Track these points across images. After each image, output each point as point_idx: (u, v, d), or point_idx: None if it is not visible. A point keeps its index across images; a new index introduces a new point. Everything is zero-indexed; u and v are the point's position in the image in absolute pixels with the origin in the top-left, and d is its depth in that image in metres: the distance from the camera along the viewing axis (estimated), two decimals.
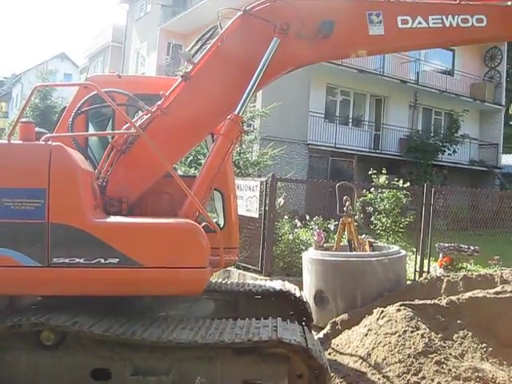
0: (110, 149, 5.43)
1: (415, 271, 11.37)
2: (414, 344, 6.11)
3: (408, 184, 13.46)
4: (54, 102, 30.17)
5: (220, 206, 6.34)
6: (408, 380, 5.75)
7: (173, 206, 5.38)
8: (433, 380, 5.69)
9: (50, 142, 4.75)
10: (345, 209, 9.27)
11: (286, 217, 12.11)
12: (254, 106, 18.04)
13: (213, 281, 6.66)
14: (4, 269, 4.49)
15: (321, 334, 7.53)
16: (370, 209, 13.14)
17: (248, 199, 11.19)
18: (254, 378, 4.60)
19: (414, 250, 11.73)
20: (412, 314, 6.59)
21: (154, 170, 5.35)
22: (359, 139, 28.17)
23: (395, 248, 9.54)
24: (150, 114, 5.42)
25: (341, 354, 6.69)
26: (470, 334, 6.54)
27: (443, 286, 8.37)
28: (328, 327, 7.68)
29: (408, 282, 9.58)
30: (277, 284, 6.76)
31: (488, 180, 31.11)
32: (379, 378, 5.87)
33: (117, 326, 4.60)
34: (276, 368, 4.59)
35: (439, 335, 6.39)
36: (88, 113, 5.79)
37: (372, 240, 9.92)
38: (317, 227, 11.68)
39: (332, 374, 5.54)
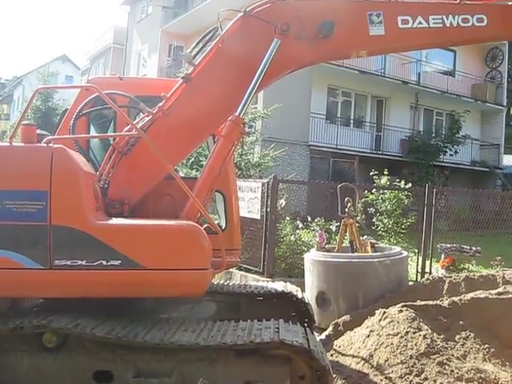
0: (111, 151, 5.44)
1: (417, 272, 11.36)
2: (416, 345, 6.10)
3: (409, 185, 13.45)
4: (55, 104, 30.22)
5: (222, 207, 6.34)
6: (410, 381, 5.74)
7: (174, 208, 5.38)
8: (435, 381, 5.68)
9: (51, 145, 4.76)
10: (346, 210, 9.26)
11: (287, 218, 12.10)
12: (256, 108, 18.07)
13: (215, 282, 6.66)
14: (6, 271, 4.49)
15: (323, 336, 7.53)
16: (372, 210, 13.13)
17: (250, 201, 11.18)
18: (256, 379, 4.59)
19: (416, 250, 11.72)
20: (414, 314, 6.58)
21: (156, 172, 5.35)
22: (360, 140, 28.17)
23: (397, 249, 9.53)
24: (151, 116, 5.43)
25: (343, 355, 6.68)
26: (473, 334, 6.53)
27: (445, 286, 8.37)
28: (330, 328, 7.67)
29: (410, 283, 9.58)
30: (279, 285, 6.76)
31: (489, 180, 31.09)
32: (381, 380, 5.86)
33: (119, 328, 4.60)
34: (278, 369, 4.59)
35: (441, 336, 6.39)
36: (89, 115, 5.79)
37: (374, 241, 9.92)
38: (318, 228, 11.67)
39: (334, 376, 5.55)
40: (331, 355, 6.69)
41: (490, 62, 33.11)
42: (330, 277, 8.62)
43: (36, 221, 4.52)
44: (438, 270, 11.37)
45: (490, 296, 7.08)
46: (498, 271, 9.57)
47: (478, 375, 5.78)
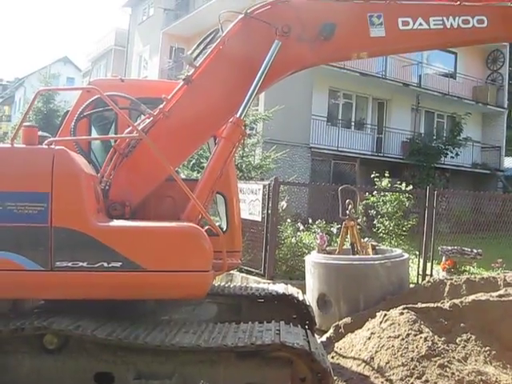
0: (112, 152, 5.44)
1: (418, 274, 11.35)
2: (417, 347, 6.10)
3: (410, 187, 13.43)
4: (56, 105, 30.23)
5: (223, 209, 6.34)
6: (411, 383, 5.74)
7: (175, 210, 5.39)
8: (436, 383, 5.68)
9: (52, 146, 4.77)
10: (347, 212, 9.26)
11: (288, 220, 12.09)
12: (257, 110, 18.08)
13: (216, 284, 6.66)
14: (7, 272, 4.50)
15: (324, 338, 7.52)
16: (373, 212, 13.11)
17: (251, 203, 11.18)
18: (257, 381, 4.60)
19: (417, 253, 11.71)
20: (415, 317, 6.58)
21: (157, 174, 5.35)
22: (362, 142, 28.16)
23: (398, 251, 9.52)
24: (152, 118, 5.43)
25: (344, 357, 6.68)
26: (474, 337, 6.52)
27: (446, 289, 8.35)
28: (331, 331, 7.66)
29: (411, 286, 9.56)
30: (280, 287, 6.76)
31: (491, 183, 31.09)
32: (382, 382, 5.86)
33: (120, 329, 4.61)
34: (279, 371, 4.59)
35: (442, 338, 6.38)
36: (91, 116, 5.80)
37: (375, 243, 9.90)
38: (319, 230, 11.66)
39: (335, 378, 5.54)
40: (332, 357, 6.68)
41: (491, 64, 33.11)
42: (330, 279, 8.62)
43: (37, 222, 4.52)
44: (439, 272, 11.36)
45: (491, 298, 7.07)
46: (499, 273, 9.55)
47: (479, 378, 5.78)
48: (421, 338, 6.22)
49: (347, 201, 9.38)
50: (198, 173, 12.75)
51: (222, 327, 4.90)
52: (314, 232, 12.00)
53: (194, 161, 13.92)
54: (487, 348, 6.42)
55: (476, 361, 6.24)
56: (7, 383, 4.52)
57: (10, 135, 32.81)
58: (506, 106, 32.90)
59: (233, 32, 5.50)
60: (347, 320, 7.73)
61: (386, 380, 5.86)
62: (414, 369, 5.86)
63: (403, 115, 29.74)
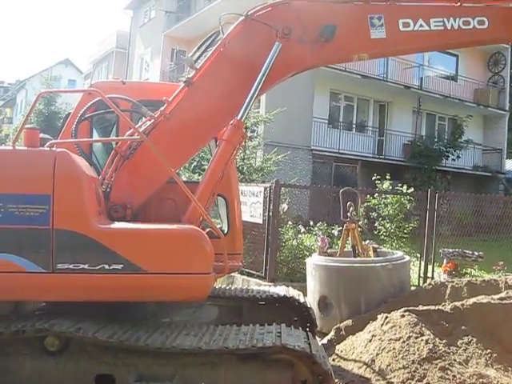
0: (113, 154, 5.45)
1: (419, 277, 11.35)
2: (418, 350, 6.09)
3: (412, 189, 13.42)
4: (58, 108, 30.24)
5: (224, 211, 6.34)
6: None
7: (177, 212, 5.39)
8: None
9: (54, 148, 4.77)
10: (349, 214, 9.26)
11: (289, 222, 12.09)
12: (258, 112, 18.09)
13: (217, 287, 6.66)
14: (9, 274, 4.50)
15: (325, 340, 7.52)
16: (374, 214, 13.11)
17: (252, 205, 11.18)
18: None
19: (418, 255, 11.71)
20: (416, 319, 6.57)
21: (158, 176, 5.36)
22: (363, 145, 28.15)
23: (399, 253, 9.52)
24: (153, 120, 5.44)
25: (345, 359, 6.68)
26: (475, 339, 6.52)
27: (447, 291, 8.35)
28: (332, 333, 7.67)
29: (412, 288, 9.56)
30: (281, 290, 6.76)
31: (492, 185, 31.04)
32: None
33: (121, 332, 4.61)
34: (280, 374, 4.59)
35: (443, 341, 6.37)
36: (92, 119, 5.81)
37: (376, 245, 9.90)
38: (320, 233, 11.66)
39: (336, 380, 5.54)
40: (333, 360, 6.68)
41: (492, 66, 33.08)
42: (331, 281, 8.62)
43: (39, 224, 4.52)
44: (440, 274, 11.35)
45: (493, 301, 7.07)
46: (500, 276, 9.53)
47: (481, 380, 5.77)
48: (422, 340, 6.22)
49: (348, 203, 9.38)
50: (199, 175, 12.75)
51: (223, 329, 4.90)
52: (315, 234, 12.00)
53: (195, 163, 13.91)
54: (488, 351, 6.41)
55: (477, 363, 6.24)
56: None
57: (11, 137, 32.83)
58: (507, 108, 32.89)
59: (233, 34, 5.51)
60: (348, 322, 7.74)
61: (387, 382, 5.86)
62: (415, 371, 5.86)
63: (404, 117, 29.74)
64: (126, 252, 4.57)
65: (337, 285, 8.56)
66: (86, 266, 4.54)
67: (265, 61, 5.32)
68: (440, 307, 7.10)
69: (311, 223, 12.62)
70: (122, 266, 4.55)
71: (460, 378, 5.76)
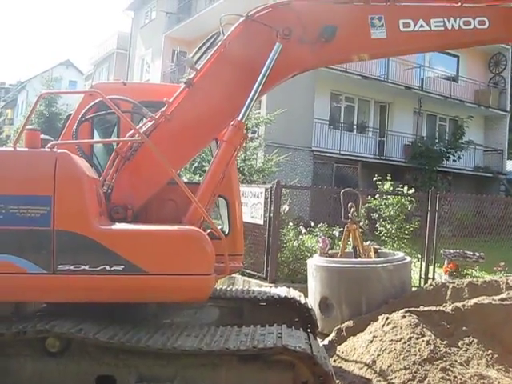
0: (114, 156, 5.45)
1: (420, 278, 11.35)
2: (419, 351, 6.09)
3: (413, 190, 13.43)
4: (59, 109, 30.26)
5: (225, 212, 6.34)
6: None
7: (177, 213, 5.39)
8: None
9: (55, 150, 4.77)
10: (350, 215, 9.26)
11: (290, 223, 12.09)
12: (259, 113, 18.07)
13: (218, 288, 6.66)
14: (10, 275, 4.50)
15: (326, 341, 7.51)
16: (375, 215, 13.11)
17: (253, 206, 11.18)
18: None
19: (419, 256, 11.71)
20: (417, 320, 6.57)
21: (159, 177, 5.36)
22: (364, 145, 28.13)
23: (400, 254, 9.52)
24: (153, 121, 5.44)
25: (346, 360, 6.67)
26: (476, 340, 6.52)
27: (448, 292, 8.35)
28: (333, 334, 7.66)
29: (413, 289, 9.57)
30: (282, 291, 6.75)
31: (493, 186, 31.01)
32: None
33: (122, 333, 4.60)
34: (281, 375, 4.59)
35: (444, 342, 6.37)
36: (93, 120, 5.82)
37: (377, 246, 9.90)
38: (321, 234, 11.66)
39: (337, 381, 5.54)
40: (334, 361, 6.68)
41: (493, 67, 33.06)
42: (333, 282, 8.61)
43: (39, 225, 4.53)
44: (441, 275, 11.35)
45: (494, 302, 7.07)
46: (501, 277, 9.54)
47: (482, 381, 5.77)
48: (423, 341, 6.21)
49: (349, 204, 9.38)
50: (200, 176, 12.74)
51: (224, 330, 4.90)
52: (316, 235, 12.00)
53: (196, 164, 13.92)
54: (489, 351, 6.41)
55: (478, 364, 6.23)
56: None
57: (12, 138, 32.87)
58: (508, 109, 32.86)
59: (234, 35, 5.51)
60: (349, 323, 7.73)
61: (388, 383, 5.85)
62: (416, 372, 5.85)
63: (405, 118, 29.73)
64: (127, 253, 4.58)
65: (338, 286, 8.55)
66: (86, 267, 4.54)
67: (265, 62, 5.32)
68: (441, 308, 7.09)
69: (312, 224, 12.61)
70: (122, 267, 4.55)
71: (461, 379, 5.75)
